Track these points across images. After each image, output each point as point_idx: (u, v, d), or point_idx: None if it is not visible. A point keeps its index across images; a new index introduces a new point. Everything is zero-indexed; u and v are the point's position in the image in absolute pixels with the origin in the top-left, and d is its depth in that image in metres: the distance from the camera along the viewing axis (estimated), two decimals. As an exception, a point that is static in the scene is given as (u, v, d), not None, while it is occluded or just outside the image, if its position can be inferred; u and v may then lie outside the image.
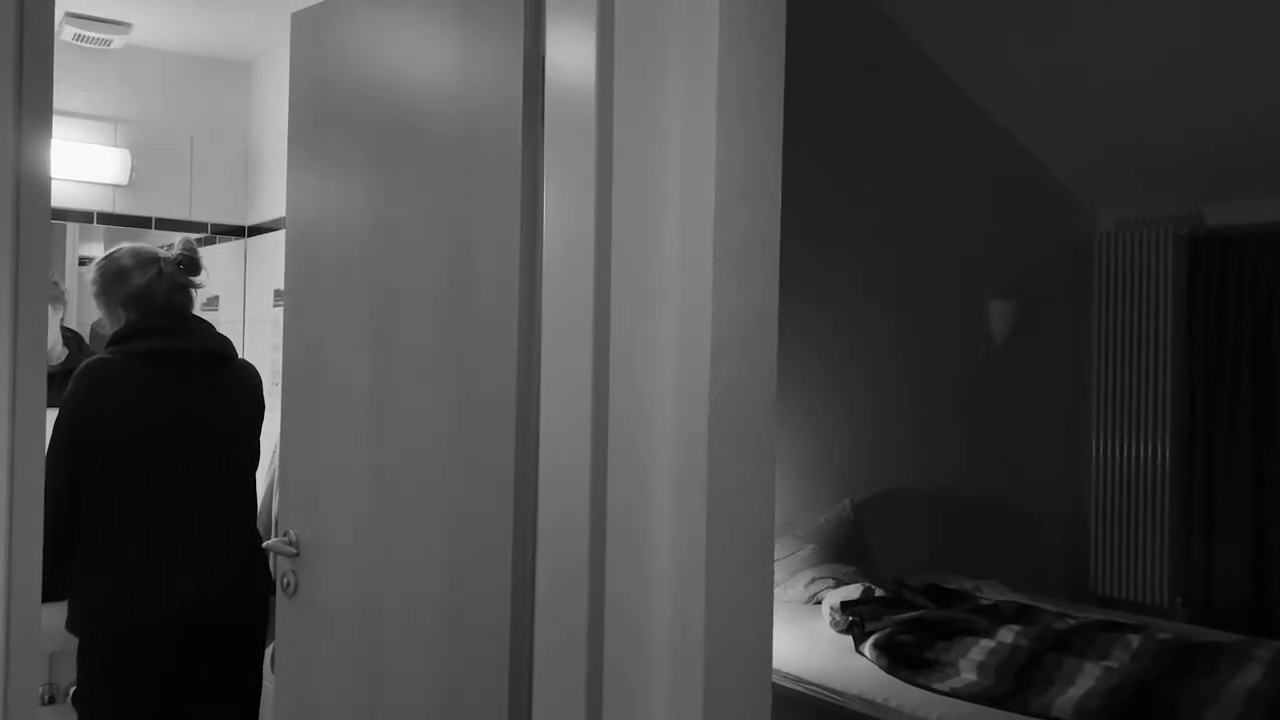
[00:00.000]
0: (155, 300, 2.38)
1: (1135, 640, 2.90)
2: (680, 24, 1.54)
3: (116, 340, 2.37)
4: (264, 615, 2.52)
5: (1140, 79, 3.84)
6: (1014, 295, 4.39)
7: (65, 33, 3.02)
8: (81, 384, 2.28)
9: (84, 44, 3.11)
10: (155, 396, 2.34)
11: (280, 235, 2.99)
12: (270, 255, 3.31)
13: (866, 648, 2.93)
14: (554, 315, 1.67)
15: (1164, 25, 3.59)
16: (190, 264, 2.44)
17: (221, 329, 3.42)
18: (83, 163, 3.19)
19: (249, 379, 2.56)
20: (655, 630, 1.55)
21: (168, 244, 2.47)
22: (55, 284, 2.83)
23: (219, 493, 2.43)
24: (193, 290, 2.48)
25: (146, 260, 2.40)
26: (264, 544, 2.35)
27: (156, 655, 2.31)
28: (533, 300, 1.73)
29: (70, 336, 3.23)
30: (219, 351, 2.48)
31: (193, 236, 3.42)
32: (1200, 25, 3.56)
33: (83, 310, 3.28)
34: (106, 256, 2.43)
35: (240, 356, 2.61)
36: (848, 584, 3.42)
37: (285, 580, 2.19)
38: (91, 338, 3.24)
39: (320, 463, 2.15)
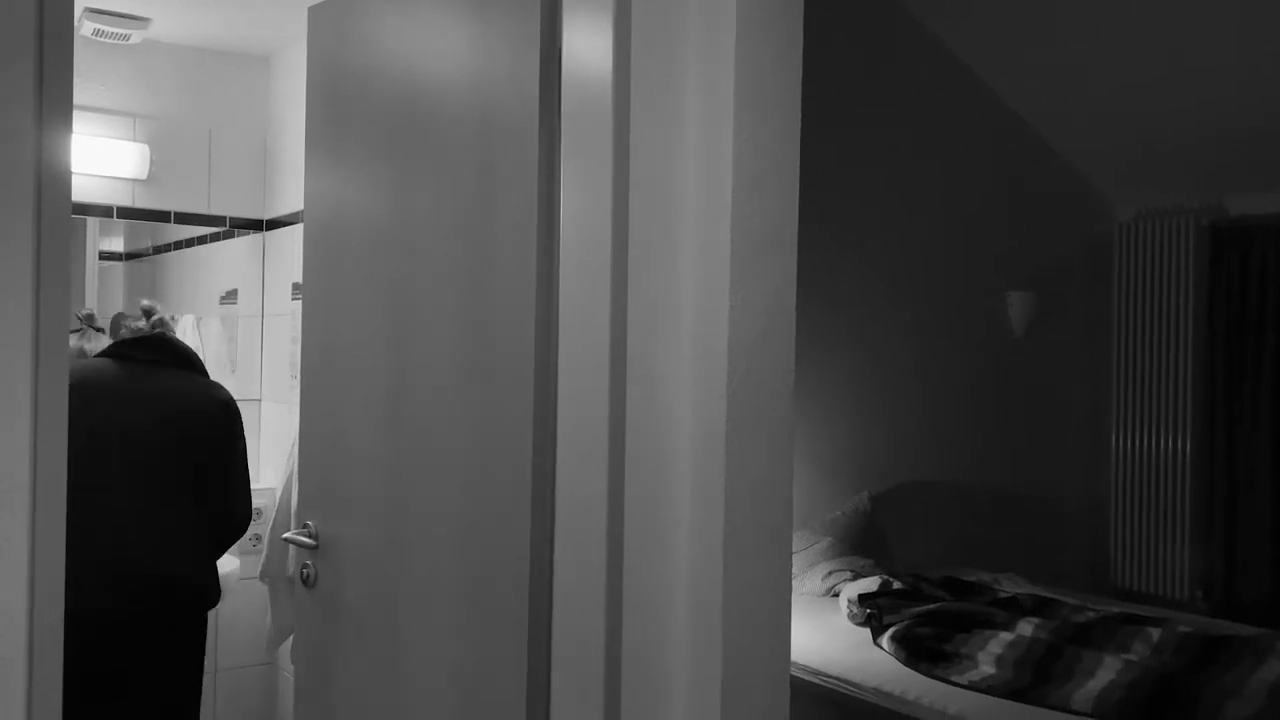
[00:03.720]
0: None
1: (1156, 633, 2.88)
2: (697, 13, 1.53)
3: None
4: (195, 627, 2.44)
5: (1160, 68, 3.80)
6: (1033, 286, 4.37)
7: (84, 28, 3.04)
8: None
9: (103, 39, 3.12)
10: (101, 389, 2.36)
11: (298, 229, 3.00)
12: (288, 249, 3.32)
13: (884, 640, 2.92)
14: (571, 307, 1.67)
15: (1184, 13, 3.56)
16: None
17: (240, 322, 3.46)
18: (102, 157, 3.21)
19: (199, 398, 2.48)
20: (674, 622, 1.55)
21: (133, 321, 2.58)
22: (91, 316, 2.85)
23: (154, 492, 2.35)
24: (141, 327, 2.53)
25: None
26: (284, 536, 2.36)
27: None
28: (550, 292, 1.73)
29: None
30: (174, 353, 2.49)
31: (209, 230, 3.44)
32: (1220, 13, 3.52)
33: (103, 303, 3.30)
34: None
35: (214, 382, 2.57)
36: (865, 577, 3.41)
37: (304, 572, 2.20)
38: (112, 328, 3.28)
39: (339, 455, 2.16)
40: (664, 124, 1.57)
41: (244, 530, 2.59)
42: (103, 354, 2.48)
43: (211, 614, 3.17)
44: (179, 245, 3.42)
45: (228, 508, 2.52)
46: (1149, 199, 4.54)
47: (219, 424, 2.49)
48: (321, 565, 2.18)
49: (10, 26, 1.21)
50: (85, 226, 3.23)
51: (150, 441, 2.38)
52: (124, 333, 2.55)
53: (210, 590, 2.47)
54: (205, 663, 3.25)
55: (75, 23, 2.69)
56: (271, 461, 3.43)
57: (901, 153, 4.02)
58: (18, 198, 1.21)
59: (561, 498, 1.69)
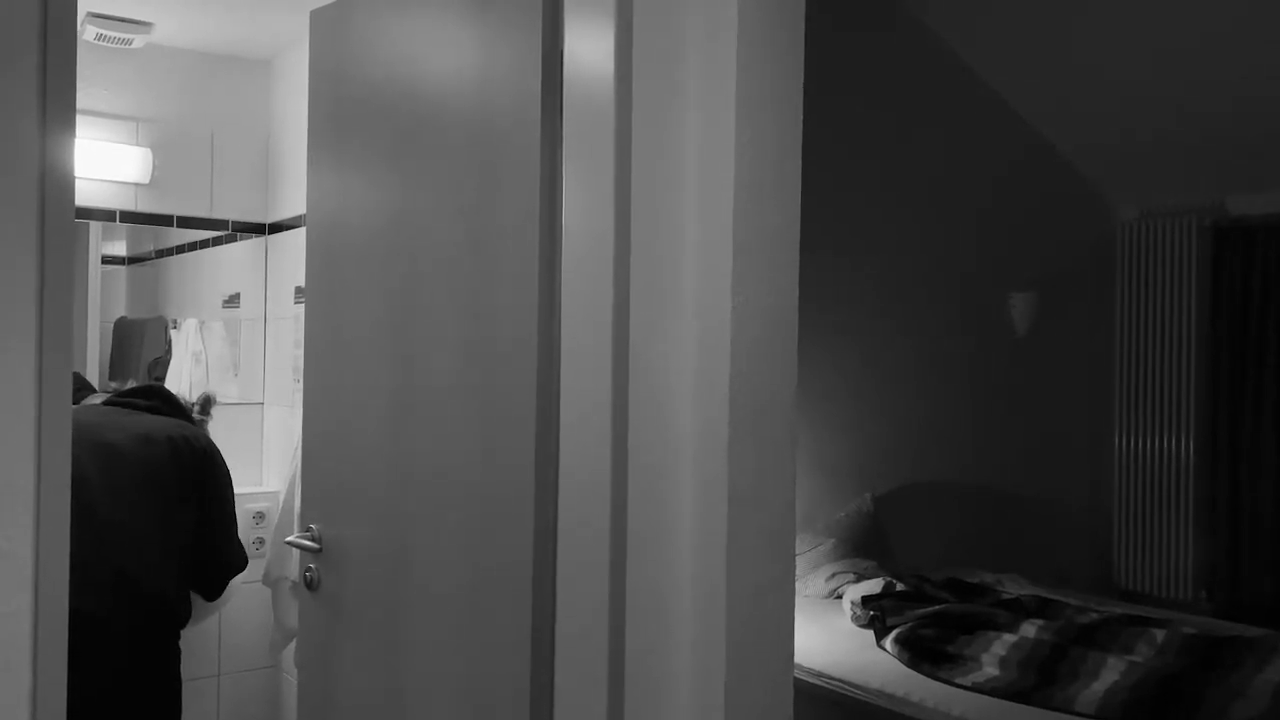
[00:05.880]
0: None
1: (1160, 634, 2.88)
2: (699, 15, 1.53)
3: None
4: (162, 639, 2.41)
5: (1162, 68, 3.80)
6: (1035, 287, 4.36)
7: (87, 32, 3.04)
8: None
9: (105, 43, 3.13)
10: (90, 417, 2.48)
11: (301, 232, 3.00)
12: (291, 252, 3.32)
13: (888, 642, 2.92)
14: (573, 309, 1.67)
15: (1186, 14, 3.56)
16: None
17: (243, 326, 3.46)
18: (105, 161, 3.21)
19: (181, 429, 2.54)
20: (677, 624, 1.55)
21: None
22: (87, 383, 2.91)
23: (126, 500, 2.38)
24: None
25: None
26: (287, 540, 2.36)
27: None
28: (552, 294, 1.74)
29: None
30: (167, 400, 2.62)
31: (212, 234, 3.45)
32: (1221, 14, 3.52)
33: (106, 309, 3.31)
34: None
35: (199, 439, 2.58)
36: (868, 578, 3.41)
37: (308, 575, 2.20)
38: (116, 326, 3.31)
39: (341, 458, 2.16)
40: (665, 125, 1.57)
41: (232, 567, 2.60)
42: (103, 402, 2.63)
43: (214, 619, 3.18)
44: (181, 249, 3.42)
45: (208, 540, 2.52)
46: (1151, 199, 4.54)
47: (196, 458, 2.51)
48: (325, 568, 2.18)
49: (13, 31, 1.21)
50: (88, 230, 3.24)
51: (125, 451, 2.42)
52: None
53: (175, 603, 2.45)
54: (207, 669, 3.28)
55: (78, 27, 2.70)
56: (274, 465, 3.43)
57: (903, 153, 4.02)
58: (21, 202, 1.22)
59: (564, 501, 1.69)
